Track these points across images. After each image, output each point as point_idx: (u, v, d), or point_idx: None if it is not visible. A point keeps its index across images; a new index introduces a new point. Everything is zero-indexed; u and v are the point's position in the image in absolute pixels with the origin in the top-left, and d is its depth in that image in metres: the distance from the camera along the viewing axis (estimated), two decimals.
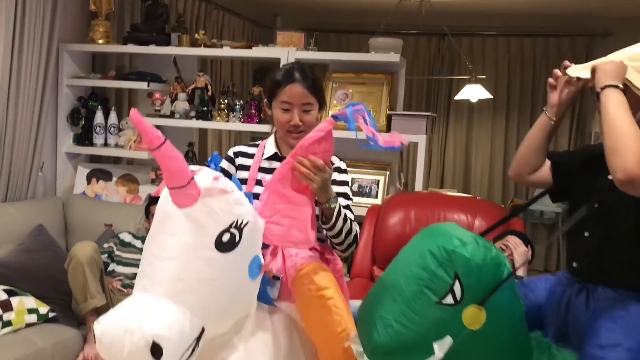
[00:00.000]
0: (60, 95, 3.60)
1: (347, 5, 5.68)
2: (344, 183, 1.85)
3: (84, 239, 2.87)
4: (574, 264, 1.62)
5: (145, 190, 3.67)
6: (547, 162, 1.71)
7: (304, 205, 1.57)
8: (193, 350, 1.30)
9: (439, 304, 1.37)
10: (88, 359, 2.64)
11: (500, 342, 1.43)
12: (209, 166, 1.51)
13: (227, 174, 1.81)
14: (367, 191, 3.49)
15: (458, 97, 5.36)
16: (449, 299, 1.37)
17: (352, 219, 1.79)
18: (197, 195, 1.33)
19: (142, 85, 3.61)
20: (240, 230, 1.38)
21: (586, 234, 1.58)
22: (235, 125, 3.50)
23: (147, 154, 3.53)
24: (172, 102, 3.58)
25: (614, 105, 1.39)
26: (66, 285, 2.70)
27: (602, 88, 1.43)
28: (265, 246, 1.63)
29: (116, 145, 3.73)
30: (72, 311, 2.74)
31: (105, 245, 3.14)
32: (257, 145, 1.91)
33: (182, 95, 3.53)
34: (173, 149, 1.31)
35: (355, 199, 3.42)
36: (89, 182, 3.77)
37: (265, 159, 1.86)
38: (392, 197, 3.23)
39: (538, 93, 5.91)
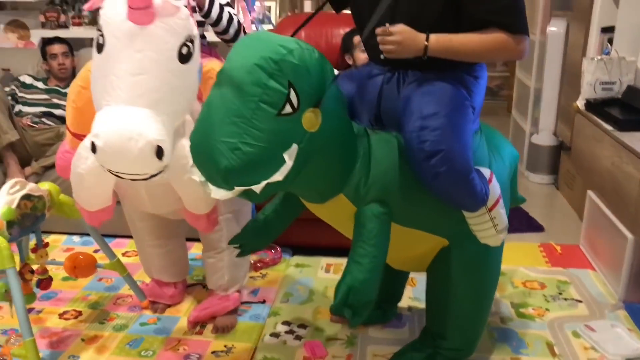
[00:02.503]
0: None
1: None
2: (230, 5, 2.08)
3: None
4: (382, 56, 1.63)
5: (37, 35, 3.63)
6: None
7: None
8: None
9: (279, 116, 1.36)
10: None
11: (336, 137, 1.52)
12: None
13: None
14: (260, 18, 3.65)
15: None
16: (288, 109, 1.37)
17: (233, 13, 2.06)
18: (154, 14, 1.44)
19: None
20: (193, 42, 1.53)
21: (387, 25, 1.61)
22: None
23: None
24: None
25: (448, 46, 1.55)
26: None
27: (425, 52, 1.55)
28: None
29: None
30: None
31: (7, 89, 3.18)
32: None
33: None
34: None
35: (251, 27, 3.62)
36: None
37: None
38: (283, 20, 3.41)
39: None
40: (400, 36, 1.55)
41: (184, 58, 1.50)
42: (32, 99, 3.18)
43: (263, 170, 1.38)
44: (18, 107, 3.16)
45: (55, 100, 3.17)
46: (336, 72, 1.54)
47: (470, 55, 1.58)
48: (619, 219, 2.46)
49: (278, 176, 1.39)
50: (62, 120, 3.10)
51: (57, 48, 3.20)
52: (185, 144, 1.65)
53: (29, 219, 1.94)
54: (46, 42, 3.26)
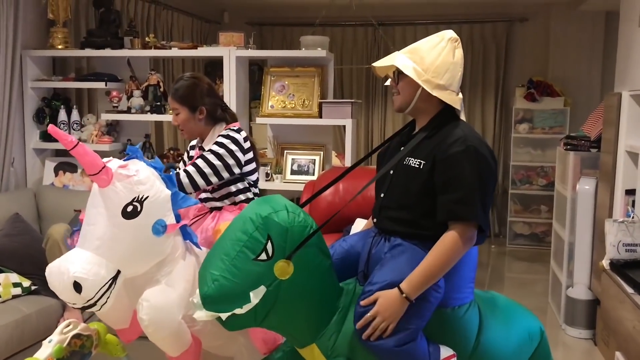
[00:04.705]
0: (26, 96, 3.99)
1: (289, 0, 6.13)
2: (218, 144, 2.41)
3: (57, 224, 3.29)
4: (374, 220, 1.91)
5: None
6: None
7: None
8: (110, 286, 1.82)
9: (255, 260, 1.67)
10: None
11: (308, 289, 1.73)
12: (128, 154, 1.96)
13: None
14: (306, 169, 3.99)
15: (387, 83, 5.77)
16: (263, 256, 1.67)
17: (199, 166, 2.35)
18: (108, 179, 1.81)
19: (100, 85, 4.03)
20: (141, 203, 1.85)
21: (382, 195, 1.90)
22: None
23: (108, 146, 3.96)
24: (128, 98, 3.99)
25: (419, 279, 1.68)
26: (45, 262, 3.09)
27: (407, 298, 1.67)
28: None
29: (79, 140, 4.13)
30: None
31: (75, 228, 3.55)
32: None
33: (137, 93, 3.95)
34: (85, 148, 1.78)
35: (296, 177, 3.97)
36: (56, 174, 4.17)
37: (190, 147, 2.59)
38: (324, 172, 3.74)
39: (465, 77, 6.47)
40: (377, 307, 1.67)
41: (128, 215, 1.83)
42: None
43: (233, 302, 1.66)
44: None
45: None
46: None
47: (440, 268, 1.70)
48: None
49: (241, 310, 1.66)
50: None
51: None
52: (147, 296, 1.91)
53: (77, 356, 2.17)
54: None
